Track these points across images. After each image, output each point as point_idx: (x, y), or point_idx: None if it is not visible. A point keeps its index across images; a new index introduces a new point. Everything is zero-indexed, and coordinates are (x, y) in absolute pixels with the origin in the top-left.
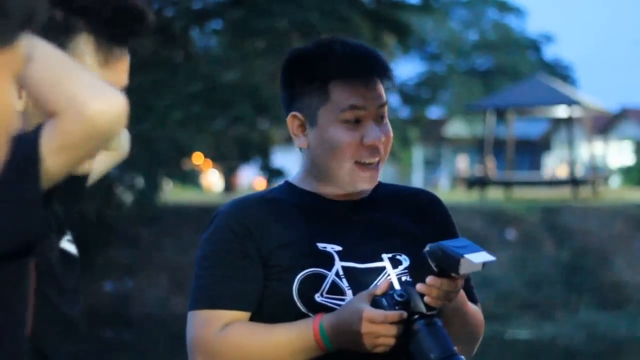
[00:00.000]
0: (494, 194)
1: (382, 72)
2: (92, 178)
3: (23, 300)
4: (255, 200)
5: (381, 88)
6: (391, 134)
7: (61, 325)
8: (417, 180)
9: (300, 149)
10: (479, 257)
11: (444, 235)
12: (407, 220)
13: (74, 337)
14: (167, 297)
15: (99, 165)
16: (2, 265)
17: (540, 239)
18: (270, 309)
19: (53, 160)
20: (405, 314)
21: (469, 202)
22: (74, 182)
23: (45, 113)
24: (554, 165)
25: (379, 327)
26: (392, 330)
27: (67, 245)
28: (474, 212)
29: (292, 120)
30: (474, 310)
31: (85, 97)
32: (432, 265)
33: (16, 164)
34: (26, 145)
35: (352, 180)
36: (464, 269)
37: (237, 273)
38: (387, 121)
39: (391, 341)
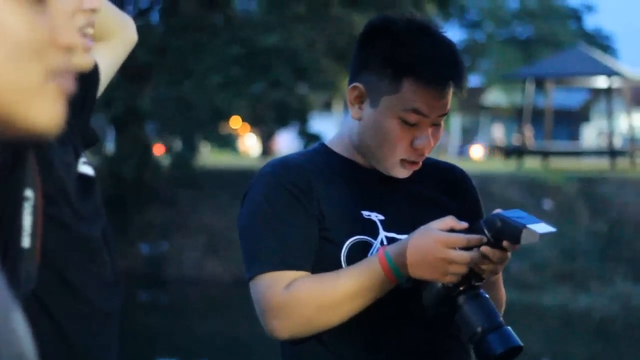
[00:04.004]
0: (531, 164)
1: (458, 82)
2: (112, 70)
3: (18, 212)
4: (299, 162)
5: (449, 97)
6: (439, 137)
7: (79, 246)
8: (453, 148)
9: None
10: (540, 228)
11: (473, 212)
12: (441, 194)
13: (95, 257)
14: (203, 260)
15: (116, 56)
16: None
17: (576, 209)
18: (317, 271)
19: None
20: (484, 239)
21: (506, 171)
22: (86, 83)
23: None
24: (592, 136)
25: (453, 253)
26: (466, 257)
27: (84, 167)
28: (510, 182)
29: (353, 91)
30: (501, 283)
31: (132, 25)
32: (488, 235)
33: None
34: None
35: (391, 171)
36: (525, 240)
37: (299, 232)
38: (442, 125)
39: (463, 269)
